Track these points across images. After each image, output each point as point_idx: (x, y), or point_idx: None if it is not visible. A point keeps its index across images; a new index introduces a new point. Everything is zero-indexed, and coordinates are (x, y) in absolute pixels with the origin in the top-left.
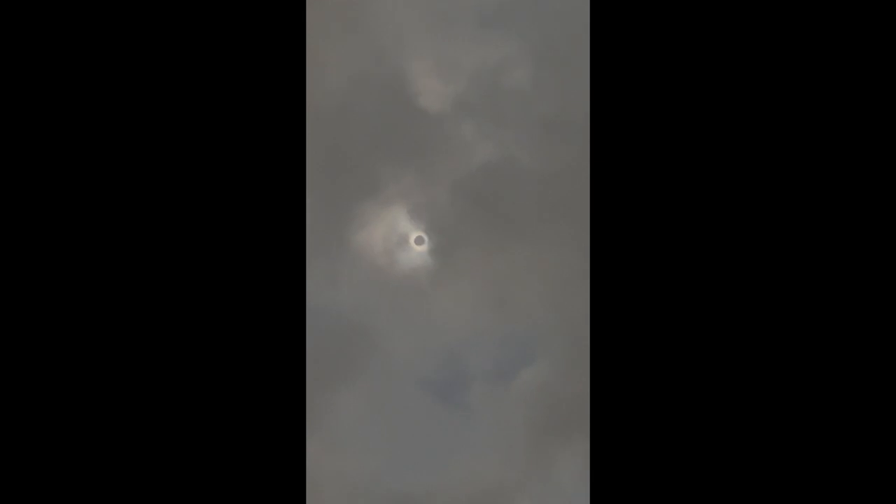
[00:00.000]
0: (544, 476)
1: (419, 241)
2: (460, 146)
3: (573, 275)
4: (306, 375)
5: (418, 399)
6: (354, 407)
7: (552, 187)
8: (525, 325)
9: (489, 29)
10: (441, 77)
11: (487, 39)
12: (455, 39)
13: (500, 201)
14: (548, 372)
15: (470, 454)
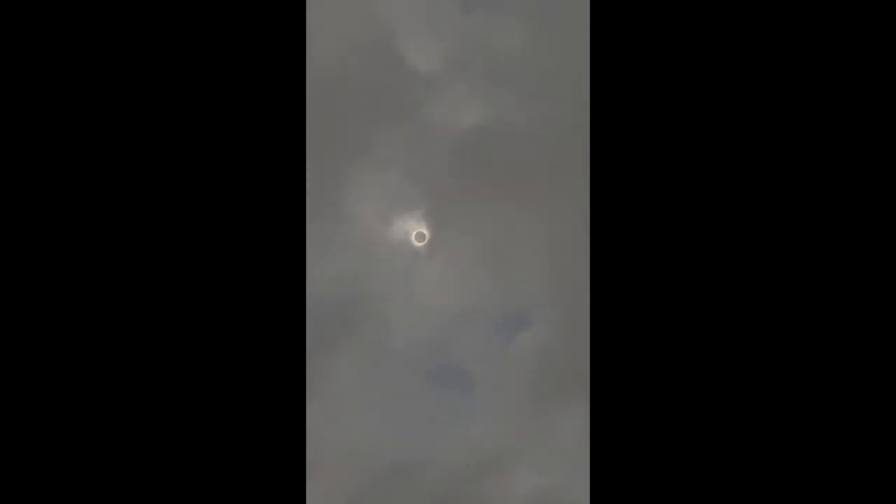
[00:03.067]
0: (545, 441)
1: (420, 237)
2: (454, 107)
3: (572, 236)
4: (306, 342)
5: (417, 365)
6: (354, 374)
7: (551, 147)
8: (523, 288)
9: None
10: (435, 37)
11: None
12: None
13: (497, 163)
14: (546, 336)
15: (470, 420)
